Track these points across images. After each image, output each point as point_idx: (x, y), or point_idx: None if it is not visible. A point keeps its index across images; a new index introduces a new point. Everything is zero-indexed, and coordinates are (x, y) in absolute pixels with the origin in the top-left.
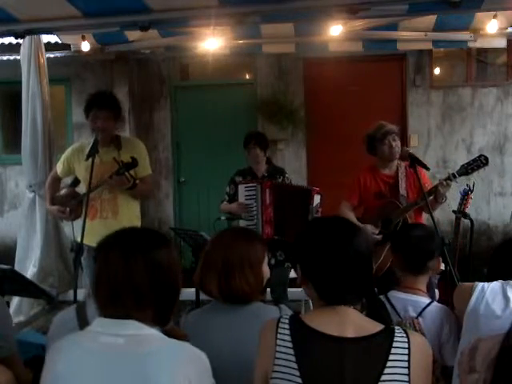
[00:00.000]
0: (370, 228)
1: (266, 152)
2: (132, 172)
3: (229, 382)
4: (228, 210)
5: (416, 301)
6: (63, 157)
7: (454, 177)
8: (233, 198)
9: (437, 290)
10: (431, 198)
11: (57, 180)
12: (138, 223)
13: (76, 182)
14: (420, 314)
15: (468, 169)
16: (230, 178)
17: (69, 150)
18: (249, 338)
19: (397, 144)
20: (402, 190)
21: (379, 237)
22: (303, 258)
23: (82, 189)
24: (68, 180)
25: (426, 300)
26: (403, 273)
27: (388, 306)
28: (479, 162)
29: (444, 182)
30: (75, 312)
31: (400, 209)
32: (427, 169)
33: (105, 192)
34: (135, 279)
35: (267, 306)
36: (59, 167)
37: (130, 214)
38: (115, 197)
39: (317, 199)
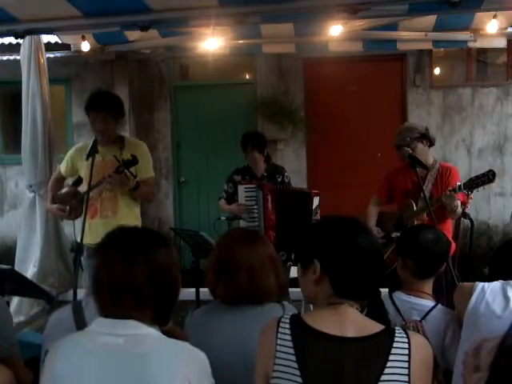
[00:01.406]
0: (374, 231)
1: (265, 151)
2: (133, 170)
3: (231, 382)
4: (228, 211)
5: (420, 304)
6: (67, 156)
7: (460, 189)
8: (232, 196)
9: None
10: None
11: (60, 179)
12: (138, 224)
13: (78, 181)
14: (424, 318)
15: (474, 183)
16: (229, 176)
17: (72, 150)
18: (251, 338)
19: (407, 151)
20: (426, 193)
21: (382, 240)
22: (324, 251)
23: (84, 188)
24: (70, 180)
25: (430, 303)
26: (412, 278)
27: (392, 307)
28: (486, 178)
29: (448, 193)
30: (71, 312)
31: (412, 211)
32: (426, 169)
33: (105, 191)
34: (135, 279)
35: (270, 305)
36: (63, 166)
37: (129, 215)
38: (115, 196)
39: (316, 201)
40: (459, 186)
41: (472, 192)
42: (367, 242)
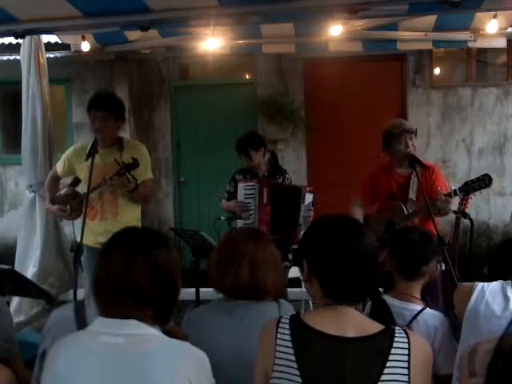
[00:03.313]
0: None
1: (259, 151)
2: (133, 173)
3: (231, 379)
4: (226, 207)
5: (407, 308)
6: (64, 156)
7: (455, 194)
8: (233, 195)
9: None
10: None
11: (56, 179)
12: (138, 225)
13: (76, 181)
14: (411, 322)
15: (470, 187)
16: (231, 176)
17: (70, 150)
18: (249, 336)
19: (413, 143)
20: (412, 194)
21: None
22: (311, 252)
23: (82, 188)
24: (68, 180)
25: (417, 307)
26: (398, 277)
27: None
28: (482, 182)
29: (444, 198)
30: (73, 312)
31: (404, 214)
32: (426, 168)
33: (106, 193)
34: (136, 279)
35: (267, 303)
36: (59, 166)
37: (130, 217)
38: (116, 198)
39: (309, 198)
40: (454, 190)
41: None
42: (356, 246)
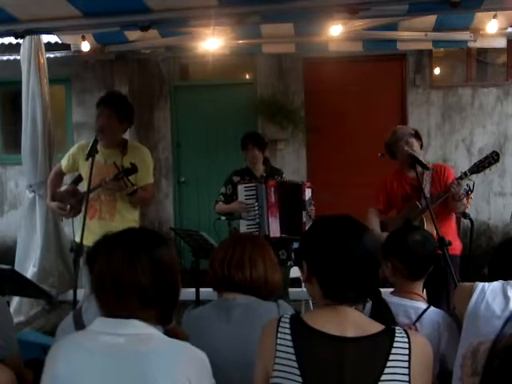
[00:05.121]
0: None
1: (264, 152)
2: (132, 178)
3: (230, 379)
4: (227, 210)
5: (413, 306)
6: (69, 153)
7: (466, 175)
8: (230, 198)
9: None
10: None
11: (60, 175)
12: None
13: (78, 179)
14: (417, 320)
15: (480, 166)
16: (227, 178)
17: (75, 147)
18: (249, 336)
19: (411, 147)
20: (427, 191)
21: None
22: (311, 252)
23: (83, 187)
24: (69, 178)
25: (423, 305)
26: (403, 280)
27: None
28: (491, 159)
29: (455, 181)
30: (72, 321)
31: (419, 209)
32: (427, 169)
33: (105, 194)
34: (140, 279)
35: (265, 303)
36: (64, 162)
37: (127, 218)
38: (114, 199)
39: (308, 193)
40: (464, 172)
41: (472, 192)
42: (355, 246)
